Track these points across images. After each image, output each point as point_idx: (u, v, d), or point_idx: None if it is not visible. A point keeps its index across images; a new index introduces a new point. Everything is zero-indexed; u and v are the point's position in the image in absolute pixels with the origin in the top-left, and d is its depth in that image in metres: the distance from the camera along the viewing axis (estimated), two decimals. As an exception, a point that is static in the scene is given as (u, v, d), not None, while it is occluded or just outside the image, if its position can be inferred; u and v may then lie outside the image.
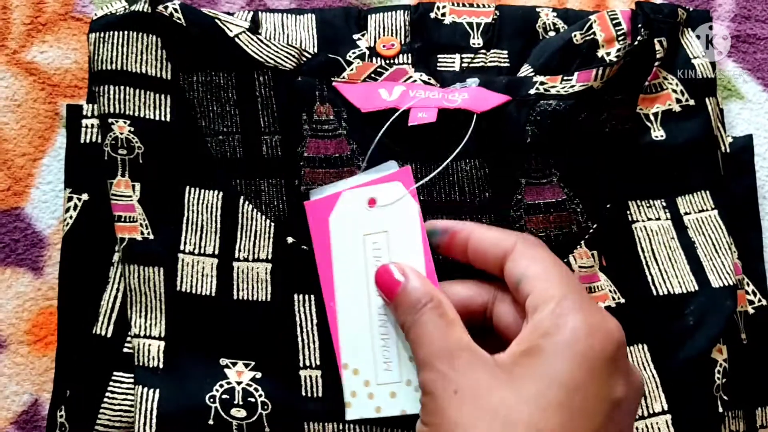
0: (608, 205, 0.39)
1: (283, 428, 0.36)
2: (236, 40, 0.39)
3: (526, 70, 0.41)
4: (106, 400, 0.36)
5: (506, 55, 0.42)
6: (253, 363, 0.37)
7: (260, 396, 0.37)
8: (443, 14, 0.43)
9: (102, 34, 0.38)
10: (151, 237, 0.37)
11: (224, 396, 0.36)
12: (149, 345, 0.37)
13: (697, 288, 0.38)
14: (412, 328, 0.32)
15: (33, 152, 0.42)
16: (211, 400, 0.36)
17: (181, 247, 0.38)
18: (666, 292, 0.38)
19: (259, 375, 0.37)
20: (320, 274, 0.36)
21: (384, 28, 0.42)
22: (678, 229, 0.39)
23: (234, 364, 0.37)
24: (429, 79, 0.39)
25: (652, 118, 0.40)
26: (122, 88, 0.38)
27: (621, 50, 0.40)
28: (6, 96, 0.43)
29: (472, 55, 0.42)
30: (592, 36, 0.41)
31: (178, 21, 0.38)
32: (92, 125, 0.39)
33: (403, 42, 0.42)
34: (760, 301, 0.41)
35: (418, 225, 0.35)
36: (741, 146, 0.42)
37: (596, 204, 0.39)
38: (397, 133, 0.38)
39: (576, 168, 0.39)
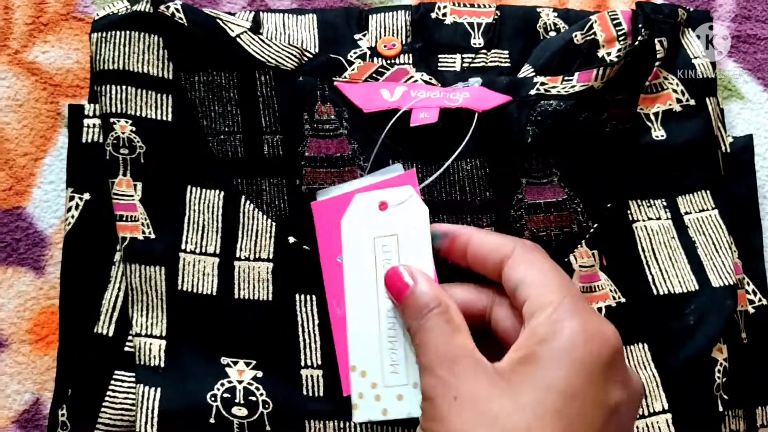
0: (609, 205, 0.39)
1: (284, 427, 0.36)
2: (238, 40, 0.39)
3: (526, 70, 0.41)
4: (107, 398, 0.37)
5: (507, 55, 0.42)
6: (254, 362, 0.37)
7: (261, 395, 0.37)
8: (444, 14, 0.43)
9: (104, 34, 0.38)
10: (153, 236, 0.37)
11: (225, 395, 0.36)
12: (150, 344, 0.37)
13: (697, 287, 0.39)
14: (418, 333, 0.32)
15: (35, 152, 0.42)
16: (213, 398, 0.36)
17: (183, 247, 0.38)
18: (666, 292, 0.38)
19: (260, 374, 0.37)
20: (324, 274, 0.36)
21: (385, 28, 0.42)
22: (678, 229, 0.39)
23: (235, 363, 0.37)
24: (430, 79, 0.39)
25: (652, 117, 0.40)
26: (124, 87, 0.38)
27: (621, 50, 0.40)
28: (8, 96, 0.43)
29: (472, 55, 0.42)
30: (592, 36, 0.41)
31: (179, 21, 0.38)
32: (94, 125, 0.39)
33: (404, 42, 0.42)
34: (760, 300, 0.41)
35: (427, 228, 0.35)
36: (741, 146, 0.42)
37: (597, 203, 0.39)
38: (398, 133, 0.38)
39: (576, 168, 0.39)
